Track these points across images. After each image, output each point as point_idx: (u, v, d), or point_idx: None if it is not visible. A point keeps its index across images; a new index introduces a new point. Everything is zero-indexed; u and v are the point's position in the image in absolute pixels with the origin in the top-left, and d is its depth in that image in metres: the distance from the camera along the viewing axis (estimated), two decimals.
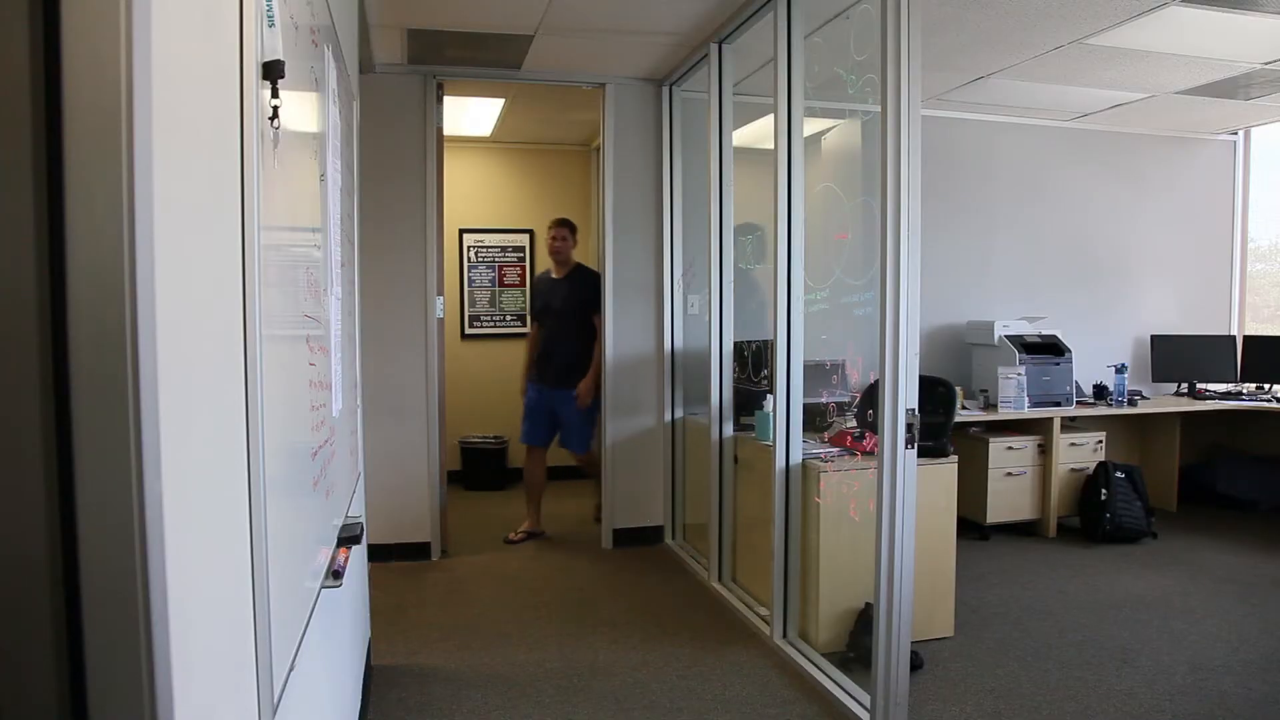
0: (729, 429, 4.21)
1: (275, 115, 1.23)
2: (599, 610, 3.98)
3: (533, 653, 3.47)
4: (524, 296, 6.87)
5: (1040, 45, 4.24)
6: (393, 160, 4.64)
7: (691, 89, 4.78)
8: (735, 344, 4.23)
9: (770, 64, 3.49)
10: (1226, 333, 6.22)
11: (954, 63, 4.57)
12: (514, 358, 5.77)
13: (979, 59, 4.52)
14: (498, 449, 6.53)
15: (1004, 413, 5.10)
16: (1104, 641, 3.56)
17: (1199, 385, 5.93)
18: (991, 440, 5.11)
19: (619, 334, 4.98)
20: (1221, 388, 5.93)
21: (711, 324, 4.24)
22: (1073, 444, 5.30)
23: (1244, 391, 5.83)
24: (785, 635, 3.52)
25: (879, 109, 2.65)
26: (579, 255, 5.43)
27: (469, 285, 6.84)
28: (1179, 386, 5.97)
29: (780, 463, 3.49)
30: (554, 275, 5.20)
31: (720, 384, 4.21)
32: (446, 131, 4.97)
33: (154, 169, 0.78)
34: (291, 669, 1.36)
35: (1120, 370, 5.57)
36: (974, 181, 5.72)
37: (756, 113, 4.27)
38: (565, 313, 5.08)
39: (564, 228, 5.19)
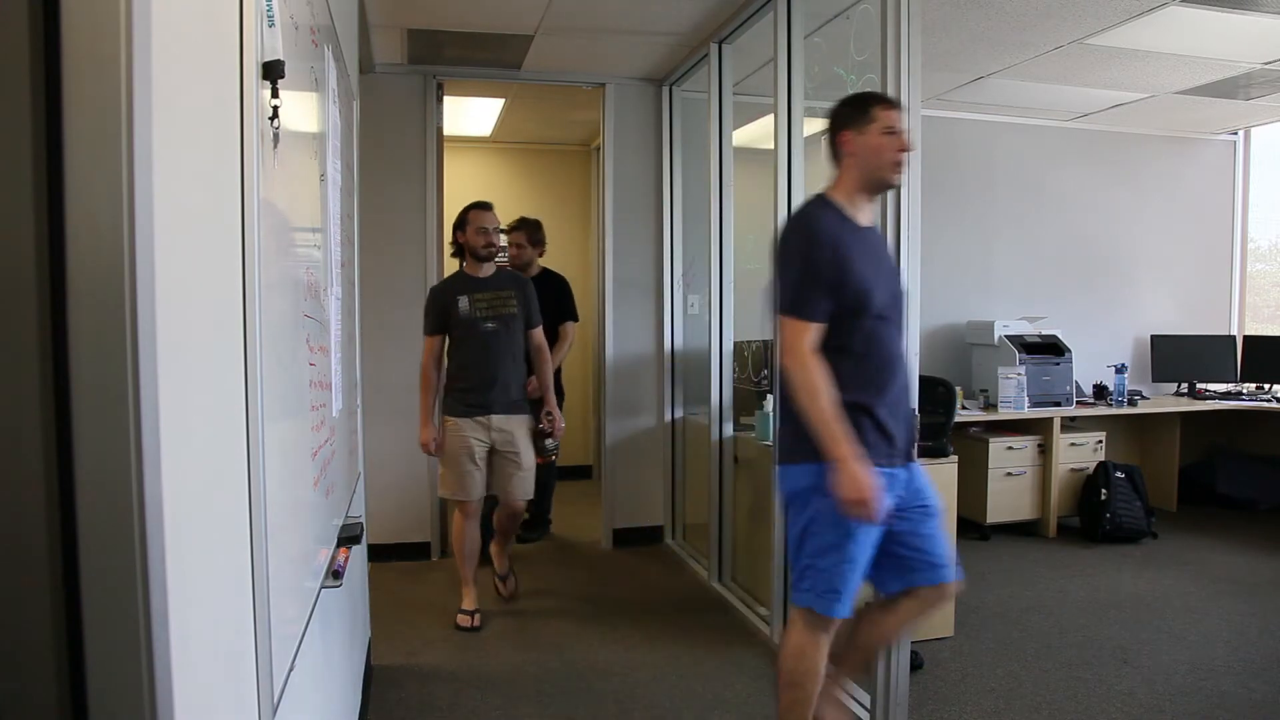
0: (729, 429, 4.21)
1: (275, 115, 1.23)
2: (599, 610, 3.98)
3: (532, 653, 3.47)
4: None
5: (1040, 45, 4.24)
6: (393, 160, 4.64)
7: (691, 89, 4.78)
8: (735, 344, 4.23)
9: (770, 64, 3.49)
10: (1226, 333, 6.22)
11: (954, 63, 4.57)
12: None
13: (979, 59, 4.52)
14: None
15: (1004, 413, 5.10)
16: (1104, 641, 3.56)
17: (1199, 385, 5.93)
18: (991, 440, 5.11)
19: (619, 334, 4.98)
20: (1221, 388, 5.93)
21: (711, 324, 4.24)
22: (1073, 444, 5.30)
23: (1244, 391, 5.83)
24: None
25: None
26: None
27: None
28: (1179, 386, 5.97)
29: None
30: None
31: (720, 384, 4.21)
32: (446, 131, 4.97)
33: (154, 169, 0.78)
34: (291, 669, 1.36)
35: (1120, 370, 5.56)
36: (974, 181, 5.72)
37: (756, 113, 4.28)
38: None
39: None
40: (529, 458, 3.81)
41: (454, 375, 3.82)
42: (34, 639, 0.76)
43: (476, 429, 3.73)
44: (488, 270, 3.82)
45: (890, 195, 2.60)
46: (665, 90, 4.94)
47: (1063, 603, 4.03)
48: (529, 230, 4.73)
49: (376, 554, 4.42)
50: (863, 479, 2.14)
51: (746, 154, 4.36)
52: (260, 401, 1.14)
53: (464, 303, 3.76)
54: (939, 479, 3.52)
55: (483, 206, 3.81)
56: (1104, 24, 3.91)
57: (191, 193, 0.94)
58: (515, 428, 3.77)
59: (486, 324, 3.75)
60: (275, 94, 1.22)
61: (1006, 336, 5.27)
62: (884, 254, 2.41)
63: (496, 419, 3.74)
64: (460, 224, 3.82)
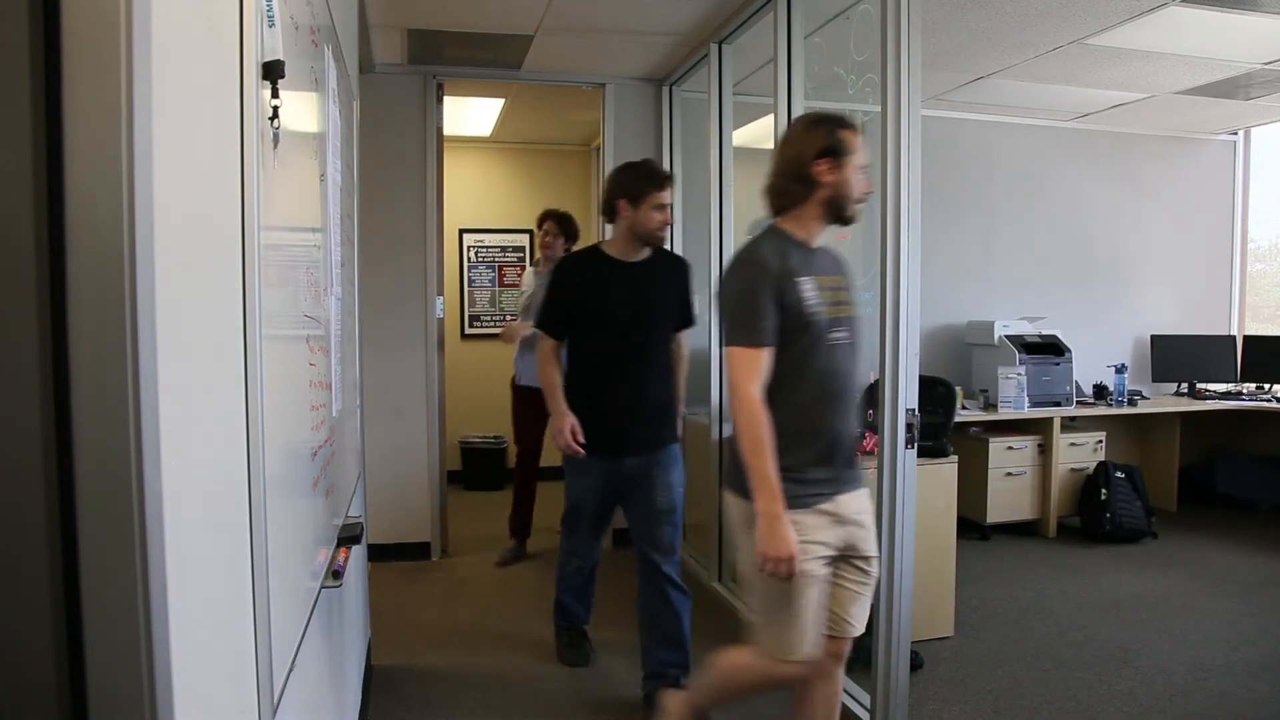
0: (729, 429, 4.19)
1: (275, 115, 1.23)
2: (599, 610, 3.97)
3: (533, 653, 3.47)
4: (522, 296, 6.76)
5: (1040, 45, 4.24)
6: (393, 160, 4.64)
7: (691, 89, 4.78)
8: None
9: (770, 64, 3.49)
10: (1226, 333, 6.22)
11: (954, 63, 4.56)
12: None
13: (979, 59, 4.51)
14: (497, 449, 6.53)
15: (1004, 413, 5.10)
16: (1104, 641, 3.56)
17: (1199, 385, 5.93)
18: (991, 440, 5.11)
19: None
20: (1221, 388, 5.93)
21: (711, 324, 4.24)
22: (1073, 444, 5.30)
23: (1244, 391, 5.83)
24: None
25: (879, 109, 2.65)
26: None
27: (469, 285, 6.84)
28: (1179, 386, 5.97)
29: None
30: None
31: (720, 384, 4.21)
32: (446, 131, 4.97)
33: (154, 169, 0.78)
34: (291, 669, 1.36)
35: (1120, 370, 5.56)
36: (974, 181, 5.72)
37: (756, 113, 4.27)
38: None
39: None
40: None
41: (790, 430, 2.14)
42: (34, 639, 0.76)
43: (825, 527, 2.12)
44: (815, 237, 2.22)
45: (889, 195, 2.60)
46: (665, 90, 4.94)
47: (1063, 603, 4.03)
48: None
49: (376, 554, 4.42)
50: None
51: (746, 154, 4.36)
52: (260, 402, 1.14)
53: (809, 289, 2.11)
54: (939, 479, 3.54)
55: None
56: (1104, 24, 3.91)
57: (191, 193, 0.94)
58: (868, 513, 2.23)
59: (836, 332, 2.16)
60: (275, 94, 1.22)
61: (1006, 336, 5.27)
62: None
63: (846, 502, 2.16)
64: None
